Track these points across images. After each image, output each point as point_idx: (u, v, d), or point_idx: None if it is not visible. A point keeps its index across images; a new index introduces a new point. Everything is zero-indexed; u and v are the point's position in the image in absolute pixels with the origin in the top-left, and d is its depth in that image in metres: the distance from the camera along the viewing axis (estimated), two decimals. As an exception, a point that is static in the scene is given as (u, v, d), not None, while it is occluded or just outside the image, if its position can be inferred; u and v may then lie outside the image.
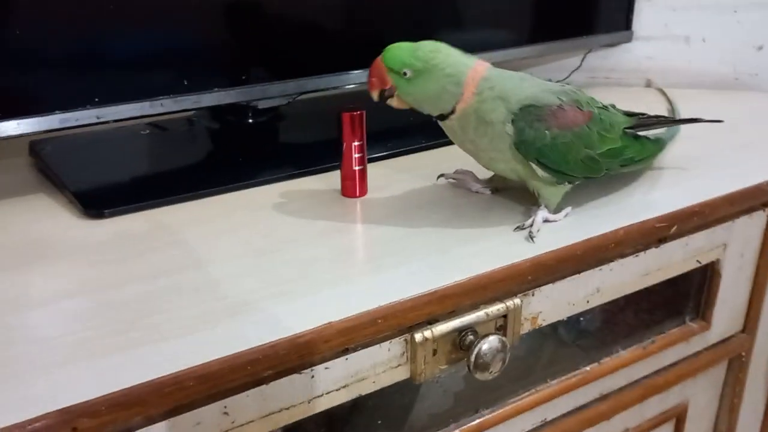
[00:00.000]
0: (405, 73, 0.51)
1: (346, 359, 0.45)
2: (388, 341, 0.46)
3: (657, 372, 0.66)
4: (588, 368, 0.60)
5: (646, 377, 0.65)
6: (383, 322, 0.45)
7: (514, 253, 0.50)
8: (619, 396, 0.63)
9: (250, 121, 0.77)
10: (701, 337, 0.67)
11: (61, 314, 0.44)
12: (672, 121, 0.66)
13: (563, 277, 0.53)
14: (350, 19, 0.75)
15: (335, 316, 0.43)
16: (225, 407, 0.41)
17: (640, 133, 0.61)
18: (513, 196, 0.60)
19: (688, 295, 0.66)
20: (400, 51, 0.52)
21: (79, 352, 0.40)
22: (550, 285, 0.53)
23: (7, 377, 0.38)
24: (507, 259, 0.50)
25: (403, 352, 0.47)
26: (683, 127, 0.68)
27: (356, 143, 0.59)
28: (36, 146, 0.71)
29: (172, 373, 0.38)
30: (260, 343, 0.41)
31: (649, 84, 0.99)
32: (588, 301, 0.56)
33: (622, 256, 0.56)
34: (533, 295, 0.52)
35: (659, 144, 0.63)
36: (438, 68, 0.51)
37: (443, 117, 0.54)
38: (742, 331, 0.71)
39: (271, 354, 0.41)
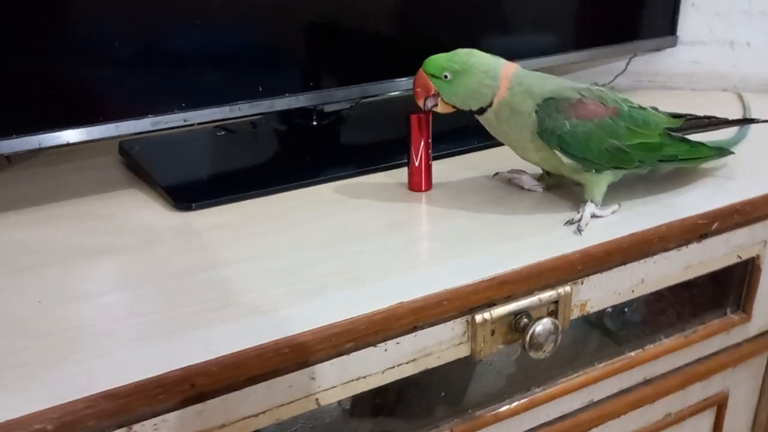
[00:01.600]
0: (446, 76, 0.58)
1: (415, 336, 0.51)
2: (452, 321, 0.52)
3: (698, 360, 0.70)
4: (633, 354, 0.65)
5: (687, 365, 0.69)
6: (448, 303, 0.50)
7: (565, 246, 0.55)
8: (662, 381, 0.68)
9: (315, 123, 0.84)
10: (742, 329, 0.71)
11: (170, 291, 0.51)
12: (724, 121, 0.66)
13: (610, 268, 0.58)
14: (404, 30, 0.81)
15: (406, 298, 0.49)
16: (313, 374, 0.47)
17: (694, 138, 0.64)
18: (564, 194, 0.65)
19: (729, 289, 0.70)
20: (438, 58, 0.59)
21: (190, 322, 0.47)
22: (598, 275, 0.58)
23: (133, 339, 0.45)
24: (558, 251, 0.55)
25: (465, 332, 0.53)
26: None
27: (423, 142, 0.64)
28: (125, 146, 0.79)
29: (272, 341, 0.44)
30: (342, 319, 0.47)
31: (725, 89, 1.01)
32: (633, 291, 0.61)
33: (666, 249, 0.61)
34: (582, 283, 0.57)
35: (717, 150, 0.65)
36: (474, 67, 0.58)
37: (482, 111, 0.60)
38: (783, 324, 0.75)
39: (351, 328, 0.47)
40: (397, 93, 0.83)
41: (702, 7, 0.99)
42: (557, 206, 0.63)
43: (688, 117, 0.64)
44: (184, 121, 0.70)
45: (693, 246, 0.62)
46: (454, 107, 0.61)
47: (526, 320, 0.54)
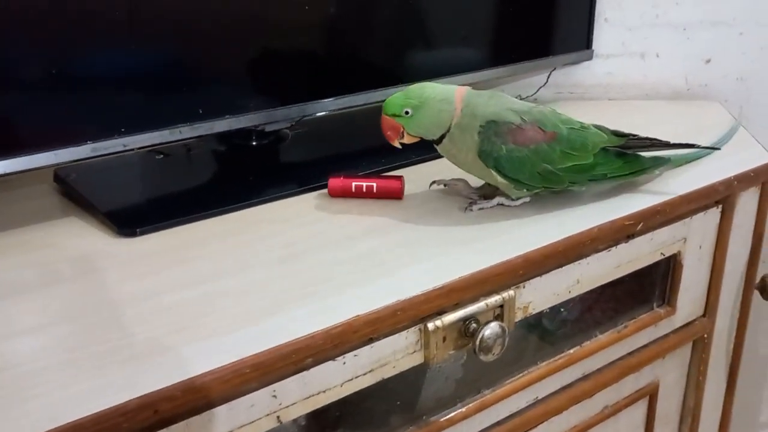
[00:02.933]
0: (407, 112, 0.62)
1: (371, 347, 0.52)
2: (406, 330, 0.54)
3: (630, 353, 0.74)
4: (571, 351, 0.69)
5: (621, 358, 0.74)
6: (402, 313, 0.52)
7: (508, 251, 0.59)
8: (599, 376, 0.72)
9: (254, 143, 0.85)
10: (668, 321, 0.76)
11: (126, 318, 0.51)
12: (664, 144, 0.68)
13: (548, 271, 0.62)
14: (337, 49, 0.83)
15: (362, 310, 0.51)
16: (274, 391, 0.48)
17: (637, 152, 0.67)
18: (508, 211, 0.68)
19: (654, 284, 0.75)
20: (395, 99, 0.63)
21: (148, 348, 0.47)
22: (538, 278, 0.61)
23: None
24: (502, 256, 0.58)
25: (418, 340, 0.55)
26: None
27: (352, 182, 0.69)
28: (61, 173, 0.77)
29: (233, 362, 0.45)
30: (301, 335, 0.48)
31: (637, 97, 1.08)
32: (570, 292, 0.64)
33: (597, 251, 0.65)
34: (524, 287, 0.60)
35: (653, 161, 0.68)
36: (430, 97, 0.63)
37: (441, 139, 0.63)
38: (703, 315, 0.81)
39: (310, 343, 0.48)
40: (336, 110, 0.84)
41: (614, 22, 1.06)
42: (497, 216, 0.66)
43: (631, 137, 0.67)
44: (124, 146, 0.69)
45: (622, 246, 0.67)
46: (419, 137, 0.64)
47: (474, 325, 0.57)
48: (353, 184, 0.69)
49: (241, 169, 0.82)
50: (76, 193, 0.73)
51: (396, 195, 0.69)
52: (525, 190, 0.65)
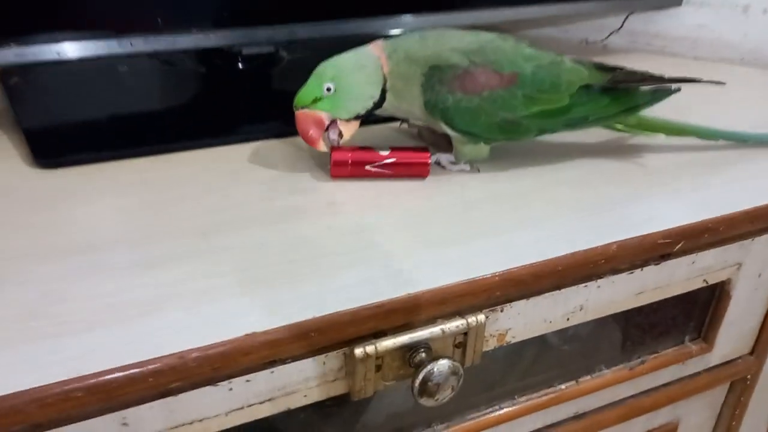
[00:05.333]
0: (328, 89, 0.50)
1: (272, 372, 0.40)
2: (323, 354, 0.41)
3: (646, 392, 0.60)
4: (563, 386, 0.55)
5: (631, 397, 0.59)
6: (317, 335, 0.40)
7: (484, 264, 0.44)
8: (597, 416, 0.58)
9: (241, 66, 0.71)
10: (700, 359, 0.61)
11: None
12: (661, 79, 0.55)
13: (540, 293, 0.47)
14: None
15: (259, 326, 0.38)
16: (125, 419, 0.37)
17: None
18: (491, 199, 0.53)
19: (689, 314, 0.60)
20: (306, 87, 0.51)
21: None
22: (524, 301, 0.47)
23: None
24: (473, 271, 0.43)
25: (341, 367, 0.42)
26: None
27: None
28: (4, 76, 0.66)
29: (60, 380, 0.34)
30: (165, 354, 0.36)
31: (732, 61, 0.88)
32: (568, 319, 0.50)
33: (614, 272, 0.50)
34: (502, 311, 0.46)
35: (649, 95, 0.55)
36: (344, 62, 0.52)
37: (383, 96, 0.52)
38: (750, 353, 0.64)
39: (177, 365, 0.36)
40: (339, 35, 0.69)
41: (716, -38, 0.85)
42: (482, 204, 0.51)
43: (619, 70, 0.55)
44: (58, 54, 0.57)
45: (650, 268, 0.51)
46: (357, 118, 0.52)
47: (424, 355, 0.44)
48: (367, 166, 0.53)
49: (217, 99, 0.69)
50: (9, 102, 0.62)
51: (421, 173, 0.54)
52: (482, 143, 0.54)
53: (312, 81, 0.51)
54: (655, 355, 0.58)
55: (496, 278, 0.44)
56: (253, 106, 0.67)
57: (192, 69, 0.73)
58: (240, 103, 0.68)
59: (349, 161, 0.53)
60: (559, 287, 0.48)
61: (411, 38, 0.53)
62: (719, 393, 0.67)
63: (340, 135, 0.52)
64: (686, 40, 0.90)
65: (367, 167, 0.53)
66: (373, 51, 0.52)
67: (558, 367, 0.56)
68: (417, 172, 0.54)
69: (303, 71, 0.70)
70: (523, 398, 0.53)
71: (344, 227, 0.48)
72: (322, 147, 0.52)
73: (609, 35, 0.93)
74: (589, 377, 0.56)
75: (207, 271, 0.42)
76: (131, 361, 0.35)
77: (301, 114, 0.51)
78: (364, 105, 0.52)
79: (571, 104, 0.53)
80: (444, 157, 0.56)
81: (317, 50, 0.75)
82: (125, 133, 0.60)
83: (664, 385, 0.61)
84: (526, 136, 0.54)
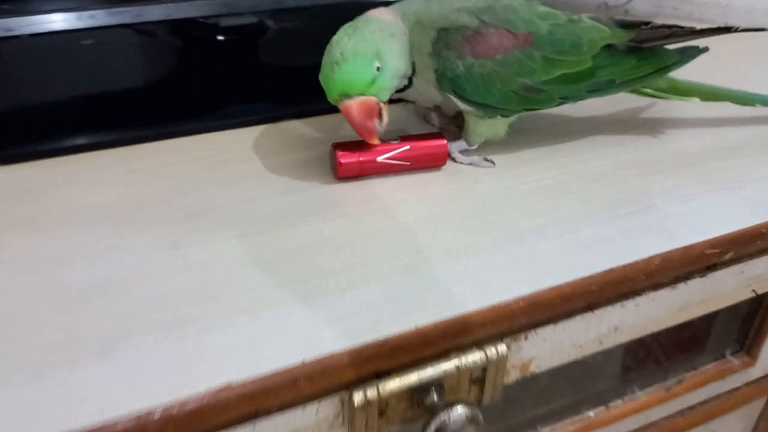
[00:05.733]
0: (378, 68, 0.43)
1: (255, 426, 0.33)
2: (317, 402, 0.35)
3: (680, 412, 0.53)
4: (592, 413, 0.48)
5: (665, 418, 0.53)
6: (307, 384, 0.33)
7: (502, 283, 0.37)
8: (627, 441, 0.51)
9: (221, 38, 0.62)
10: (742, 374, 0.54)
11: None
12: (690, 31, 0.49)
13: (570, 315, 0.40)
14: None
15: (235, 375, 0.31)
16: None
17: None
18: (509, 197, 0.46)
19: (730, 325, 0.53)
20: (354, 69, 0.42)
21: None
22: (551, 326, 0.40)
23: None
24: (492, 296, 0.36)
25: (338, 414, 0.36)
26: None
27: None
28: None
29: None
30: (104, 418, 0.29)
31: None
32: (601, 342, 0.43)
33: (655, 288, 0.43)
34: (526, 338, 0.39)
35: (679, 53, 0.49)
36: (377, 33, 0.43)
37: (411, 79, 0.46)
38: (795, 364, 0.58)
39: (134, 429, 0.30)
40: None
41: None
42: (495, 215, 0.44)
43: (644, 27, 0.49)
44: (7, 31, 0.49)
45: (695, 281, 0.44)
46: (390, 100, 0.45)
47: (435, 396, 0.37)
48: (381, 157, 0.46)
49: (195, 77, 0.61)
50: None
51: (438, 162, 0.48)
52: (499, 117, 0.48)
53: (359, 60, 0.42)
54: (694, 372, 0.52)
55: (521, 304, 0.37)
56: (236, 87, 0.59)
57: (166, 43, 0.65)
58: (221, 83, 0.60)
59: (359, 157, 0.45)
60: (591, 308, 0.41)
61: (416, 1, 0.47)
62: (756, 405, 0.60)
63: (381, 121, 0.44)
64: (716, 7, 0.82)
65: (379, 159, 0.45)
66: (387, 16, 0.45)
67: (584, 389, 0.49)
68: (434, 161, 0.47)
69: (292, 44, 0.61)
70: (547, 429, 0.47)
71: (340, 236, 0.40)
72: (374, 135, 0.44)
73: None
74: (620, 401, 0.49)
75: (172, 298, 0.35)
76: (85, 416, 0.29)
77: (356, 104, 0.42)
78: (400, 82, 0.45)
79: (594, 66, 0.47)
80: (453, 146, 0.49)
81: (307, 19, 0.68)
82: (91, 121, 0.53)
83: (701, 403, 0.54)
84: (547, 104, 0.48)
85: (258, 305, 0.35)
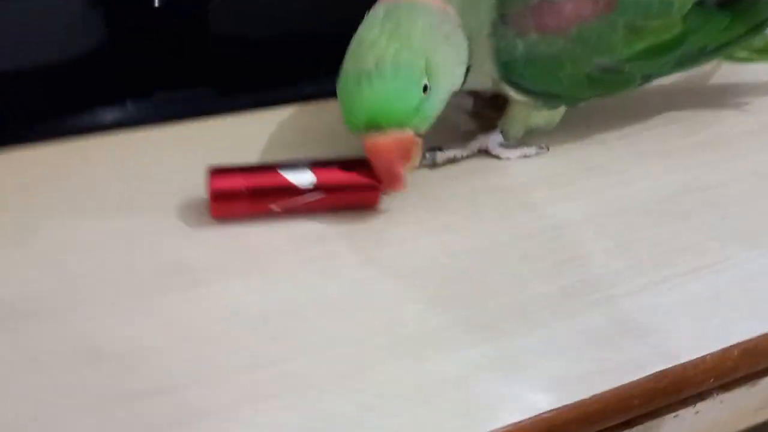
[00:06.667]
0: (426, 88, 0.32)
1: None
2: None
3: None
4: None
5: None
6: None
7: (526, 386, 0.25)
8: None
9: (157, 4, 0.48)
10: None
11: None
12: None
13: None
14: None
15: None
16: None
17: None
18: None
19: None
20: (396, 91, 0.31)
21: None
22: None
23: None
24: (512, 407, 0.24)
25: None
26: None
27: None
28: None
29: None
30: None
31: None
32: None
33: (726, 389, 0.30)
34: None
35: None
36: (427, 34, 0.32)
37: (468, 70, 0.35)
38: None
39: None
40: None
41: None
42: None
43: None
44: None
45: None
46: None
47: None
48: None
49: (129, 55, 0.47)
50: None
51: (371, 202, 0.34)
52: (556, 107, 0.39)
53: (403, 77, 0.31)
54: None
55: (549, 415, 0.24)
56: (187, 68, 0.45)
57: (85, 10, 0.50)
58: (167, 62, 0.46)
59: (243, 188, 0.31)
60: (629, 425, 0.28)
61: None
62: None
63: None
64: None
65: (272, 206, 0.32)
66: (436, 2, 0.33)
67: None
68: (359, 201, 0.33)
69: (247, 14, 0.48)
70: None
71: (248, 313, 0.28)
72: (404, 179, 0.32)
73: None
74: None
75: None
76: None
77: (390, 144, 0.31)
78: (446, 99, 0.34)
79: (685, 31, 0.39)
80: (491, 140, 0.39)
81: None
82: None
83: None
84: (626, 87, 0.39)
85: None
